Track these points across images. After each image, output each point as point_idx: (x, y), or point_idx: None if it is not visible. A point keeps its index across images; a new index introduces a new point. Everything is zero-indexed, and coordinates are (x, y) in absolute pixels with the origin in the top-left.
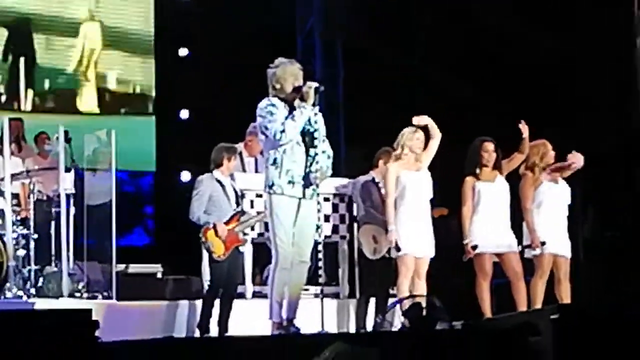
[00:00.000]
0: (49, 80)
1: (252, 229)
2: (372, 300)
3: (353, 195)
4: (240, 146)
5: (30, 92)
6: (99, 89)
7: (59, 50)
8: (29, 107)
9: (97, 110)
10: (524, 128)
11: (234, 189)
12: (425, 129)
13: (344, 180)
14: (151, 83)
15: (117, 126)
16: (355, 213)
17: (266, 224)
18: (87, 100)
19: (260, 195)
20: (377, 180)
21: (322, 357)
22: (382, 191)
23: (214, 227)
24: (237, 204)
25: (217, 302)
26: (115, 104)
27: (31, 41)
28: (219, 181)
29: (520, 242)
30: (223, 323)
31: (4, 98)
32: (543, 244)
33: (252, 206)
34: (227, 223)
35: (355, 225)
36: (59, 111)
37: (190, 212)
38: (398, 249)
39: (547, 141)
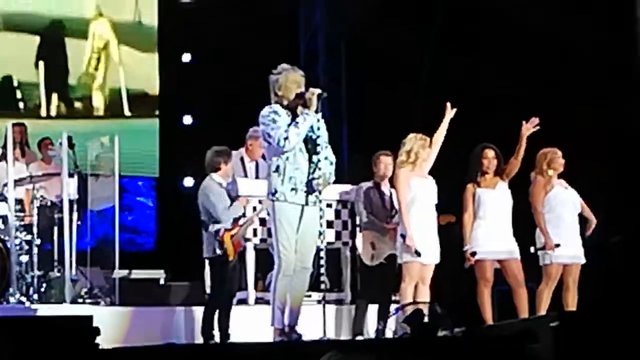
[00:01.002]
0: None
1: (255, 234)
2: (370, 307)
3: (355, 201)
4: (242, 151)
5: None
6: (103, 92)
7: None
8: (45, 112)
9: (101, 114)
10: (525, 127)
11: (229, 193)
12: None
13: (347, 187)
14: (155, 89)
15: (120, 132)
16: (357, 220)
17: (269, 230)
18: (92, 103)
19: (261, 202)
20: (381, 185)
21: None
22: (385, 197)
23: (230, 230)
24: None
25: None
26: (119, 108)
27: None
28: (220, 184)
29: (533, 245)
30: (224, 330)
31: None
32: (557, 246)
33: (254, 211)
34: (231, 228)
35: (358, 231)
36: (65, 115)
37: (216, 216)
38: (418, 254)
39: (557, 148)
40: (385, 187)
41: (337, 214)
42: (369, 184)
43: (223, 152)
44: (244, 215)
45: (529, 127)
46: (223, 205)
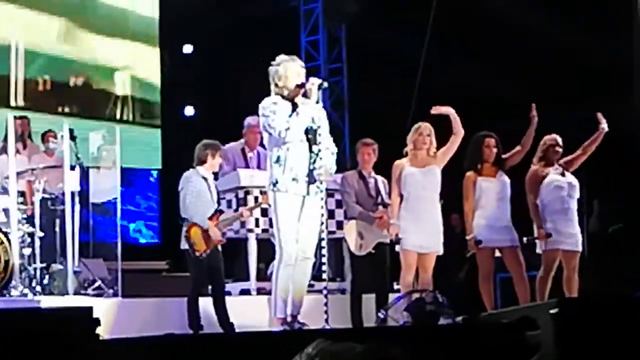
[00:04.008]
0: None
1: (257, 224)
2: (365, 297)
3: (340, 191)
4: (242, 142)
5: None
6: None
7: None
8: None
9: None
10: (534, 113)
11: (215, 187)
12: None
13: (337, 177)
14: (157, 80)
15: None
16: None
17: (270, 221)
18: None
19: (264, 192)
20: (364, 174)
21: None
22: (370, 186)
23: (199, 224)
24: (218, 202)
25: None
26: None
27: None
28: (204, 178)
29: (530, 235)
30: (224, 323)
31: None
32: (549, 235)
33: (256, 202)
34: (209, 220)
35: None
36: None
37: (185, 209)
38: (398, 241)
39: (558, 136)
40: (369, 176)
41: (339, 203)
42: (354, 173)
43: (211, 146)
44: (220, 211)
45: (536, 114)
46: (197, 199)
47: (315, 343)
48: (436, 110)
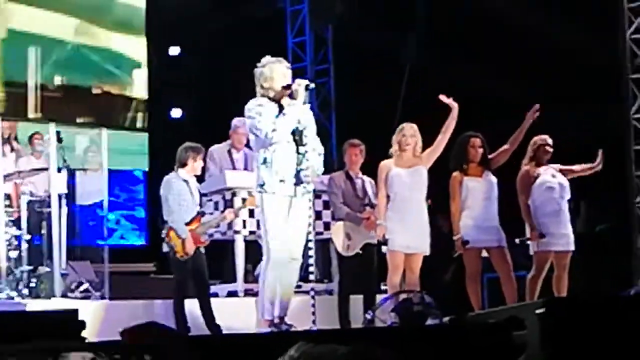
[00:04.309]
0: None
1: (244, 226)
2: (353, 297)
3: (327, 192)
4: (228, 143)
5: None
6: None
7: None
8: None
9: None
10: (531, 113)
11: (197, 189)
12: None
13: (324, 178)
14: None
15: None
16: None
17: (258, 222)
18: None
19: (251, 193)
20: (352, 175)
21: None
22: (357, 186)
23: (177, 230)
24: (200, 204)
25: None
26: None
27: None
28: (185, 181)
29: (520, 235)
30: (210, 324)
31: None
32: (542, 236)
33: (243, 203)
34: (189, 224)
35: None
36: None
37: (168, 213)
38: (385, 242)
39: (548, 136)
40: (357, 177)
41: (326, 204)
42: (341, 174)
43: (192, 149)
44: (202, 213)
45: (532, 114)
46: (177, 202)
47: (297, 345)
48: (444, 98)
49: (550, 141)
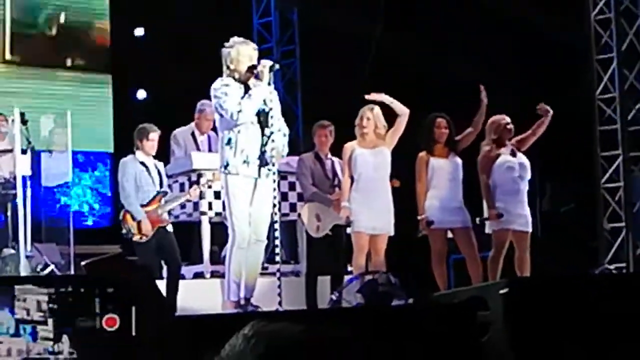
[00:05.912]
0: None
1: (210, 207)
2: (320, 279)
3: (297, 173)
4: (192, 126)
5: None
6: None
7: None
8: None
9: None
10: (484, 95)
11: (157, 170)
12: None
13: (292, 159)
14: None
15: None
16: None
17: (223, 204)
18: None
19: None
20: (321, 156)
21: (241, 335)
22: (327, 168)
23: (132, 213)
24: (161, 184)
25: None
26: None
27: None
28: (142, 162)
29: (480, 216)
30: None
31: None
32: (500, 216)
33: (209, 186)
34: (147, 205)
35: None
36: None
37: (124, 196)
38: (349, 224)
39: (506, 115)
40: (326, 158)
41: (292, 185)
42: (310, 155)
43: (142, 129)
44: (164, 193)
45: (483, 96)
46: (131, 184)
47: (251, 324)
48: (370, 97)
49: (508, 119)
